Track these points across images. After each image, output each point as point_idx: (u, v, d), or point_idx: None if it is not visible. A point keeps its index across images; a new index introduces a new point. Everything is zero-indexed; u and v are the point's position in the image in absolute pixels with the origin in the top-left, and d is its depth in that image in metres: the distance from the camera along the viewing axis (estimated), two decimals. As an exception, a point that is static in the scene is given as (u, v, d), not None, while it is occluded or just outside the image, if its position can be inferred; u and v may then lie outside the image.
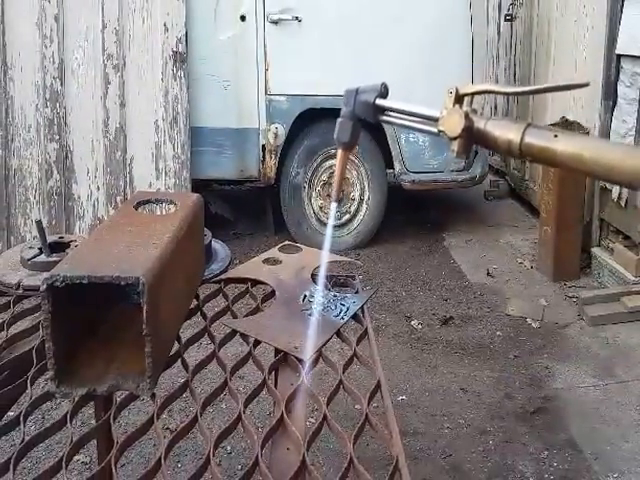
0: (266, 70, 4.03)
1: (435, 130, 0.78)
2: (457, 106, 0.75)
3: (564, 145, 0.67)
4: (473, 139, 0.75)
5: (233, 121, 4.09)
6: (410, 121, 0.83)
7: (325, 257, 1.26)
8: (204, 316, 1.32)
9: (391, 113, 0.86)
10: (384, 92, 0.86)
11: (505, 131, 0.72)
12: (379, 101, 0.85)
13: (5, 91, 3.73)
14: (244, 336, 1.25)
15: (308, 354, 1.15)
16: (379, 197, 4.30)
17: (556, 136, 0.68)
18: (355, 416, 2.26)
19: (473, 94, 0.76)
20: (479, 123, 0.74)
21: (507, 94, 0.78)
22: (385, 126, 4.07)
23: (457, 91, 0.76)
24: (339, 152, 0.95)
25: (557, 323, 3.33)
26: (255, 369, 1.17)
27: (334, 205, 1.02)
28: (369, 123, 0.95)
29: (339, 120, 0.91)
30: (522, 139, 0.70)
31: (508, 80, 5.62)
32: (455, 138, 0.74)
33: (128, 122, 3.86)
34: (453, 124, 0.74)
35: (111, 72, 3.81)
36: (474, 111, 0.76)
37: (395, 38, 3.92)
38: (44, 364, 1.06)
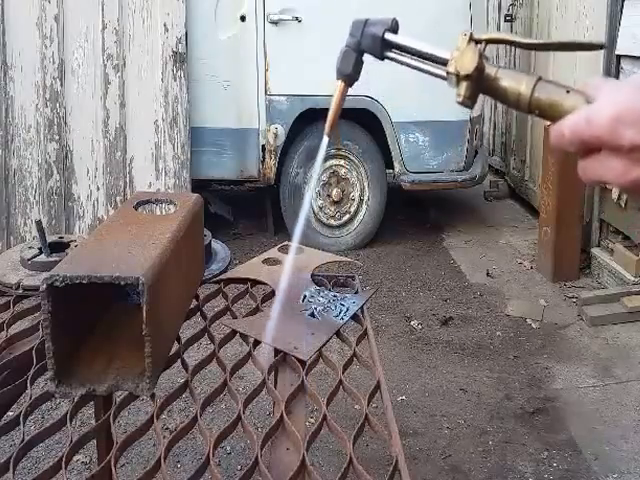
0: (266, 70, 4.03)
1: (443, 73, 0.74)
2: (472, 44, 0.71)
3: (575, 101, 0.65)
4: (482, 85, 0.71)
5: (233, 121, 4.09)
6: (418, 61, 0.79)
7: (308, 196, 1.25)
8: (204, 316, 1.32)
9: (399, 51, 0.81)
10: (394, 27, 0.82)
11: (516, 82, 0.69)
12: (388, 35, 0.80)
13: (5, 91, 3.73)
14: (244, 336, 1.25)
15: (308, 354, 1.15)
16: (379, 197, 4.30)
17: (568, 92, 0.65)
18: (355, 416, 2.26)
19: (487, 41, 0.72)
20: (490, 69, 0.71)
21: (521, 45, 0.73)
22: (385, 126, 4.08)
23: (471, 35, 0.72)
24: (338, 84, 0.90)
25: (557, 323, 3.33)
26: (255, 369, 1.17)
27: (325, 139, 0.96)
28: (367, 124, 0.93)
29: (342, 49, 0.88)
30: (532, 93, 0.67)
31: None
32: (465, 77, 0.70)
33: (128, 122, 3.86)
34: (466, 61, 0.70)
35: (111, 72, 3.81)
36: (486, 58, 0.72)
37: (395, 38, 3.92)
38: (44, 364, 1.06)
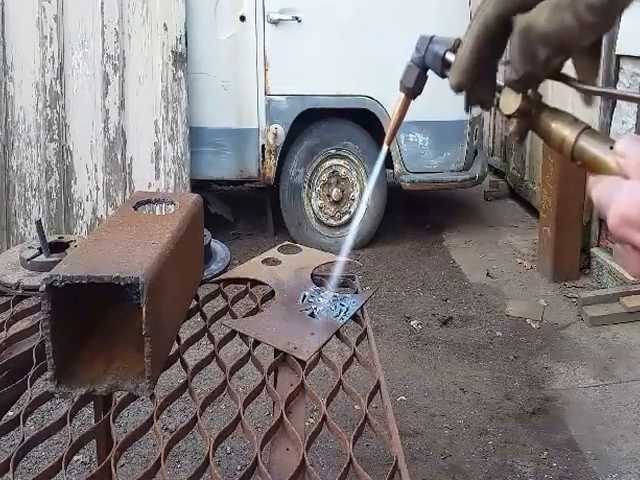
0: (266, 70, 4.03)
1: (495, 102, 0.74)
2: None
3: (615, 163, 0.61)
4: (530, 123, 0.70)
5: (233, 121, 4.09)
6: None
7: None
8: (203, 316, 1.32)
9: None
10: (457, 48, 0.81)
11: (561, 127, 0.66)
12: (448, 55, 0.81)
13: (5, 91, 3.73)
14: (243, 336, 1.25)
15: (308, 354, 1.15)
16: (379, 197, 4.30)
17: (612, 148, 0.62)
18: (354, 416, 2.26)
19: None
20: (538, 108, 0.69)
21: (580, 90, 0.69)
22: (385, 126, 4.07)
23: None
24: (401, 96, 0.91)
25: (557, 323, 3.33)
26: (254, 369, 1.17)
27: (385, 148, 0.98)
28: (367, 124, 0.93)
29: (407, 63, 0.89)
30: (576, 141, 0.65)
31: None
32: (509, 117, 0.70)
33: (128, 122, 3.86)
34: (508, 102, 0.70)
35: (111, 72, 3.81)
36: (537, 95, 0.70)
37: (395, 38, 3.92)
38: (44, 364, 1.06)
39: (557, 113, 0.69)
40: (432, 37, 0.84)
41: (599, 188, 0.59)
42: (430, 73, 0.84)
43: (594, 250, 3.84)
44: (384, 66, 3.86)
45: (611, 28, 0.63)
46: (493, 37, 0.67)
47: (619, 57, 3.59)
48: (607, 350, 3.06)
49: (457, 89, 0.72)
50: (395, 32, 3.93)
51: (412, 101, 0.92)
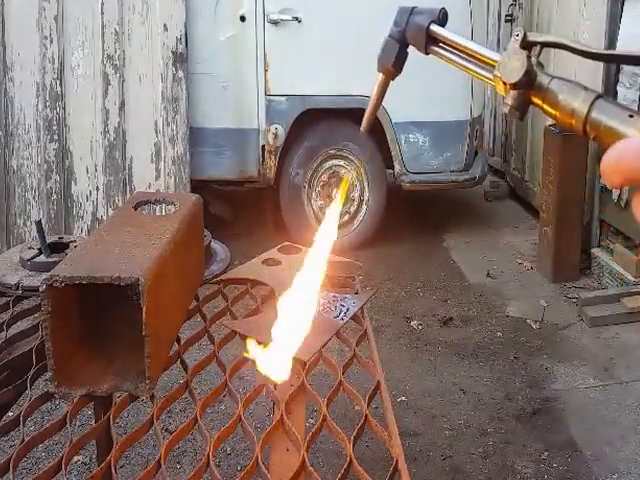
0: (266, 70, 4.03)
1: (490, 75, 0.67)
2: (523, 49, 0.63)
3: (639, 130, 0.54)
4: (531, 96, 0.63)
5: (233, 121, 4.09)
6: (464, 59, 0.71)
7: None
8: (204, 317, 1.32)
9: (444, 46, 0.73)
10: (442, 19, 0.73)
11: (571, 97, 0.59)
12: (434, 27, 0.72)
13: (5, 91, 3.73)
14: (243, 337, 1.25)
15: (308, 355, 1.15)
16: (379, 198, 4.29)
17: (631, 116, 0.55)
18: (355, 417, 2.26)
19: (542, 45, 0.63)
20: (542, 78, 0.62)
21: (581, 52, 0.62)
22: (385, 126, 4.08)
23: (525, 36, 0.63)
24: (379, 77, 0.81)
25: (557, 324, 3.33)
26: (255, 370, 1.16)
27: (363, 133, 0.91)
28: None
29: (385, 38, 0.78)
30: (589, 112, 0.57)
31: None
32: (513, 86, 0.62)
33: (127, 122, 3.86)
34: (513, 68, 0.62)
35: (111, 72, 3.81)
36: (540, 64, 0.63)
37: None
38: (43, 364, 1.05)
39: (563, 82, 0.62)
40: (413, 8, 0.76)
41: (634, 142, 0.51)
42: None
43: (594, 250, 3.84)
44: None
45: None
46: None
47: (619, 57, 3.59)
48: (607, 350, 3.06)
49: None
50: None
51: (392, 82, 0.82)
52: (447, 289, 3.74)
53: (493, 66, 0.67)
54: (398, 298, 3.63)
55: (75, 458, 2.12)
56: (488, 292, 3.70)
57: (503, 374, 2.87)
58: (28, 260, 1.41)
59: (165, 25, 3.81)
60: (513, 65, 0.63)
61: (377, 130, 4.09)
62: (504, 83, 0.64)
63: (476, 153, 4.46)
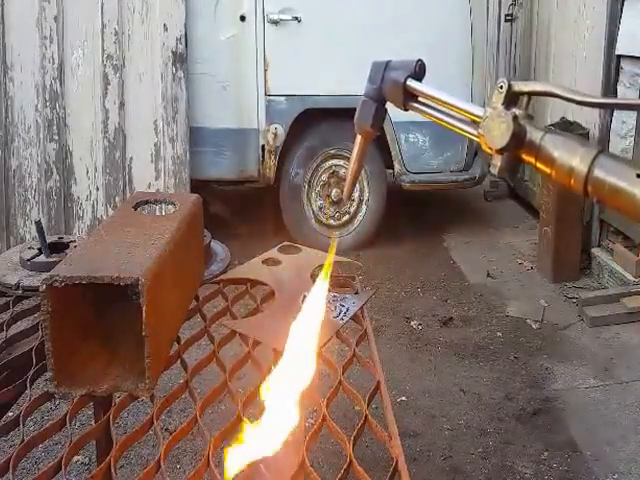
0: (266, 70, 4.03)
1: (475, 132, 0.60)
2: (505, 108, 0.56)
3: None
4: (522, 155, 0.56)
5: (232, 121, 4.09)
6: (446, 115, 0.66)
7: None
8: (203, 317, 1.32)
9: (423, 100, 0.68)
10: (419, 72, 0.68)
11: (567, 154, 0.52)
12: (411, 83, 0.66)
13: (5, 91, 3.73)
14: (243, 337, 1.25)
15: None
16: (379, 198, 4.29)
17: (639, 176, 0.47)
18: (354, 417, 2.25)
19: (530, 94, 0.57)
20: (533, 134, 0.55)
21: (576, 102, 0.55)
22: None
23: (510, 87, 0.56)
24: (358, 139, 0.76)
25: (557, 324, 3.33)
26: (255, 369, 1.16)
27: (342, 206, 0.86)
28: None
29: (362, 99, 0.73)
30: (590, 170, 0.50)
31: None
32: (499, 151, 0.56)
33: (127, 122, 3.86)
34: (497, 132, 0.55)
35: (110, 72, 3.81)
36: (529, 117, 0.57)
37: (395, 38, 3.92)
38: (43, 364, 1.05)
39: (557, 137, 0.56)
40: (387, 63, 0.72)
41: None
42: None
43: (594, 250, 3.84)
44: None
45: None
46: None
47: (619, 57, 3.59)
48: (607, 350, 3.06)
49: None
50: (395, 32, 3.93)
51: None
52: (447, 289, 3.74)
53: (477, 122, 0.61)
54: (398, 298, 3.62)
55: (75, 458, 2.12)
56: (488, 292, 3.70)
57: (503, 374, 2.87)
58: (28, 260, 1.41)
59: (165, 25, 3.81)
60: (498, 129, 0.57)
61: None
62: (490, 148, 0.59)
63: (476, 153, 4.46)
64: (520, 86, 0.57)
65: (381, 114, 0.72)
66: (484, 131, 0.57)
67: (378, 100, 0.71)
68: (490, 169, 0.59)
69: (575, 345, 3.12)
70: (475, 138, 0.61)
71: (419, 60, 0.68)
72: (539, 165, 0.55)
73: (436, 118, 0.68)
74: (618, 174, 0.49)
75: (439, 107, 0.67)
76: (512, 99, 0.58)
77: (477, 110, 0.60)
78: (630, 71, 3.51)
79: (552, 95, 0.57)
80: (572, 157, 0.52)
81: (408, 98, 0.67)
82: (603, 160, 0.50)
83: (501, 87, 0.56)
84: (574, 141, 0.53)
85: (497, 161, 0.57)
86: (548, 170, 0.54)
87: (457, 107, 0.64)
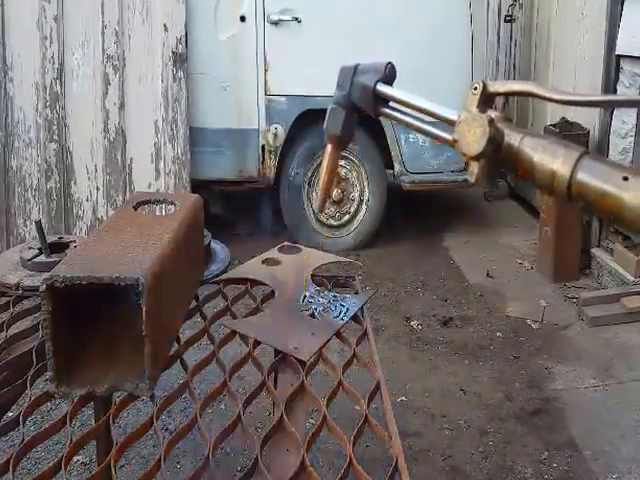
0: (266, 71, 4.03)
1: (449, 137, 0.56)
2: (480, 111, 0.51)
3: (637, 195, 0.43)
4: (500, 160, 0.52)
5: (233, 122, 4.09)
6: (418, 120, 0.63)
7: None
8: (203, 317, 1.32)
9: (395, 105, 0.64)
10: (389, 75, 0.65)
11: (549, 156, 0.48)
12: (381, 87, 0.63)
13: (5, 91, 3.73)
14: (243, 337, 1.25)
15: (308, 355, 1.15)
16: (379, 198, 4.30)
17: (626, 179, 0.44)
18: (355, 417, 2.26)
19: (507, 94, 0.54)
20: (511, 137, 0.51)
21: (554, 101, 0.52)
22: (385, 125, 4.07)
23: (484, 88, 0.52)
24: (328, 148, 0.73)
25: (557, 324, 3.33)
26: (254, 370, 1.17)
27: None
28: (367, 124, 0.79)
29: (330, 107, 0.70)
30: (574, 173, 0.47)
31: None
32: (475, 158, 0.52)
33: (128, 123, 3.86)
34: (472, 137, 0.51)
35: (111, 72, 3.81)
36: (507, 119, 0.53)
37: (395, 38, 3.92)
38: (44, 364, 1.06)
39: (537, 139, 0.51)
40: (356, 66, 0.68)
41: None
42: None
43: (594, 250, 3.84)
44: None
45: None
46: None
47: (619, 57, 3.59)
48: (607, 350, 3.06)
49: None
50: (395, 32, 3.93)
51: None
52: (447, 289, 3.74)
53: (452, 125, 0.57)
54: (398, 298, 3.62)
55: (75, 458, 2.12)
56: (488, 292, 3.70)
57: (503, 374, 2.87)
58: (28, 260, 1.41)
59: (165, 25, 3.81)
60: (473, 134, 0.53)
61: (377, 130, 4.09)
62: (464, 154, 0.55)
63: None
64: (496, 86, 0.53)
65: (351, 121, 0.68)
66: (458, 136, 0.54)
67: (348, 107, 0.67)
68: (467, 177, 0.56)
69: (575, 345, 3.12)
70: (450, 144, 0.57)
71: (389, 63, 0.65)
72: (519, 170, 0.52)
73: (409, 123, 0.64)
74: (604, 177, 0.46)
75: (411, 112, 0.64)
76: (488, 101, 0.54)
77: (451, 114, 0.56)
78: (630, 71, 3.51)
79: (530, 95, 0.54)
80: (553, 160, 0.48)
81: (379, 103, 0.64)
82: (587, 162, 0.47)
83: (475, 88, 0.53)
84: (555, 143, 0.49)
85: (474, 168, 0.53)
86: (529, 175, 0.51)
87: (430, 111, 0.60)
